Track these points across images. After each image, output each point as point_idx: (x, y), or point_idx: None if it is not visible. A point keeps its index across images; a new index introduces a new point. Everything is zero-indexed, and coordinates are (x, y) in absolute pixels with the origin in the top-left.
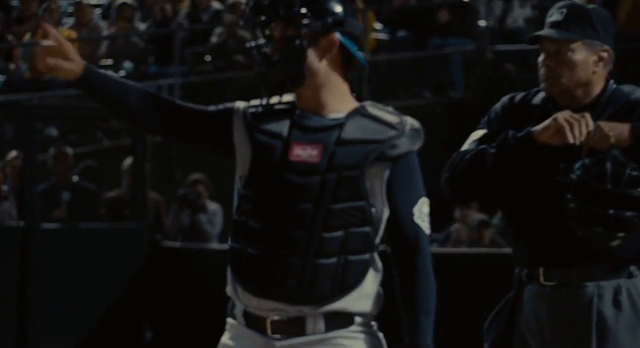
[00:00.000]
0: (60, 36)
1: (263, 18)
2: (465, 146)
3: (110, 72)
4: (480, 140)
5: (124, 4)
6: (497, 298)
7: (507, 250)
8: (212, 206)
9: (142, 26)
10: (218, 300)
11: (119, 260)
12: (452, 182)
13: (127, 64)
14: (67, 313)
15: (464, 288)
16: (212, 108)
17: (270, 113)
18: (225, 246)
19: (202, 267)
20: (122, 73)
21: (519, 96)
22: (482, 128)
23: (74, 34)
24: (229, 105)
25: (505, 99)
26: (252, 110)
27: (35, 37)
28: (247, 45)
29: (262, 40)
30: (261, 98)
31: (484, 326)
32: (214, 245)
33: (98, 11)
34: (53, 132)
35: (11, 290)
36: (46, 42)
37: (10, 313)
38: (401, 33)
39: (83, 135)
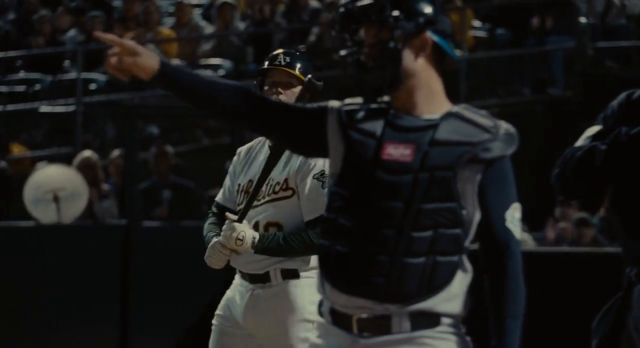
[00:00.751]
0: (120, 39)
1: (354, 26)
2: (579, 142)
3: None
4: (595, 137)
5: (225, 3)
6: (599, 297)
7: (610, 249)
8: None
9: (241, 25)
10: None
11: None
12: (562, 178)
13: (227, 63)
14: (167, 312)
15: (566, 287)
16: (306, 106)
17: (365, 112)
18: None
19: None
20: (222, 72)
21: (637, 93)
22: (598, 124)
23: (173, 34)
24: (323, 104)
25: (622, 95)
26: (347, 108)
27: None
28: (339, 54)
29: (353, 47)
30: (356, 97)
31: (592, 324)
32: None
33: (198, 11)
34: (154, 131)
35: (113, 288)
36: (112, 50)
37: (113, 311)
38: (500, 30)
39: (183, 134)
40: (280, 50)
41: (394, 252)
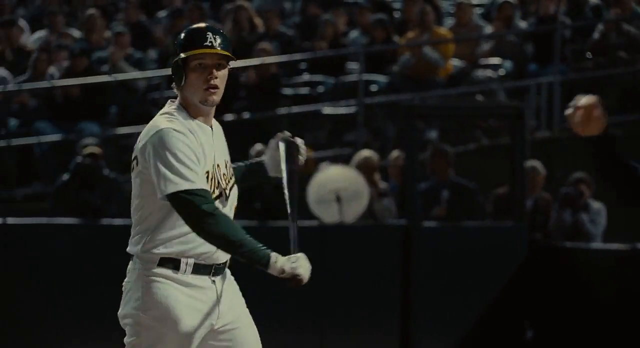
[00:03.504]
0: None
1: None
2: None
3: None
4: None
5: (506, 2)
6: None
7: None
8: (596, 205)
9: (522, 24)
10: (601, 300)
11: (498, 259)
12: None
13: (507, 63)
14: (447, 311)
15: None
16: None
17: None
18: (610, 246)
19: (584, 267)
20: (502, 72)
21: None
22: None
23: (449, 34)
24: None
25: None
26: None
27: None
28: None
29: None
30: None
31: None
32: (597, 245)
33: (479, 11)
34: (433, 134)
35: (394, 287)
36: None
37: (394, 310)
38: None
39: (462, 134)
40: (200, 26)
41: None
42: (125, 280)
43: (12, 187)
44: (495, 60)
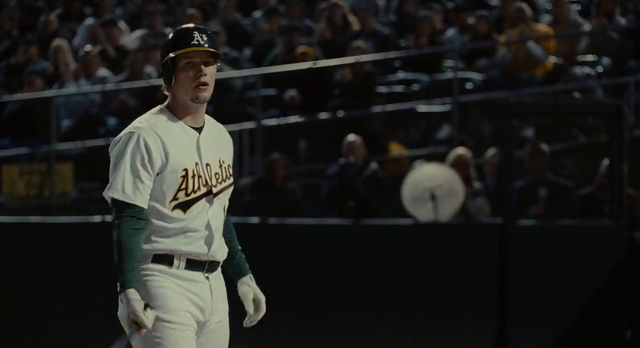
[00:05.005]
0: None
1: None
2: None
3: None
4: None
5: None
6: None
7: None
8: None
9: (622, 21)
10: None
11: (596, 258)
12: None
13: (604, 60)
14: (544, 310)
15: None
16: None
17: None
18: None
19: None
20: (600, 69)
21: None
22: None
23: (550, 31)
24: None
25: None
26: None
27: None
28: None
29: None
30: None
31: None
32: None
33: (576, 7)
34: (529, 132)
35: (489, 286)
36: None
37: (489, 309)
38: None
39: (559, 132)
40: (187, 27)
41: None
42: None
43: None
44: (592, 57)
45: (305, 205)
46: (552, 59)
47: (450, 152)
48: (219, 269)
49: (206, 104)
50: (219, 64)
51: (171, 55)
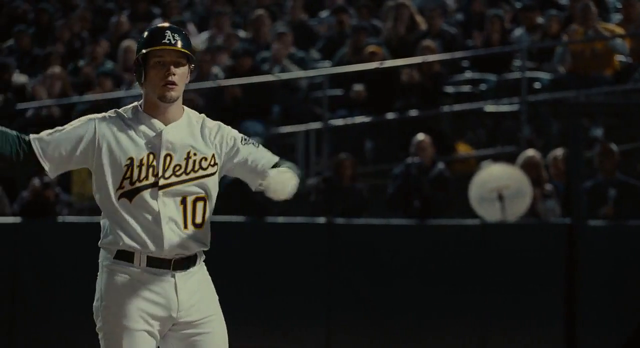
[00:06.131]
0: None
1: None
2: None
3: None
4: None
5: None
6: None
7: None
8: None
9: None
10: None
11: None
12: None
13: None
14: (614, 311)
15: None
16: None
17: None
18: None
19: None
20: None
21: None
22: None
23: (620, 30)
24: None
25: None
26: None
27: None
28: None
29: None
30: None
31: None
32: None
33: None
34: (598, 132)
35: (557, 287)
36: None
37: (557, 310)
38: None
39: (629, 131)
40: (161, 26)
41: None
42: None
43: None
44: None
45: (372, 205)
46: (621, 58)
47: (521, 153)
48: (198, 267)
49: (181, 101)
50: (192, 65)
51: (143, 52)
